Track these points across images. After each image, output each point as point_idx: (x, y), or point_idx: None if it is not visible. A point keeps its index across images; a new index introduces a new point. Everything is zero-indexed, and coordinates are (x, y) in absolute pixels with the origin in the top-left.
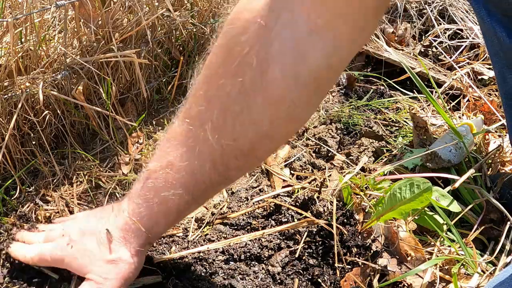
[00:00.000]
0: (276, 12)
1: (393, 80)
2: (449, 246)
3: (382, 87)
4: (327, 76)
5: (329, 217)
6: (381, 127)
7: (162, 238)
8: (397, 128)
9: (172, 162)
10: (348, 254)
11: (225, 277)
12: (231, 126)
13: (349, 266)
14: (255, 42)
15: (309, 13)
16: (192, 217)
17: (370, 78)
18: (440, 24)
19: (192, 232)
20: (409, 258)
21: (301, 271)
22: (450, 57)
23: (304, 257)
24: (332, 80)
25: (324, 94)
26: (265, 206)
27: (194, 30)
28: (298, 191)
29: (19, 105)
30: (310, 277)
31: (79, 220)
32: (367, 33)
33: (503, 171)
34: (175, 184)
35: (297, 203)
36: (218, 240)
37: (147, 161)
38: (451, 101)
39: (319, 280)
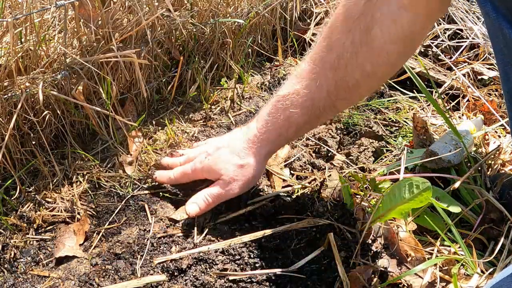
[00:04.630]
0: None
1: (393, 80)
2: (449, 246)
3: (382, 87)
4: (410, 37)
5: (329, 217)
6: (381, 127)
7: (162, 238)
8: (397, 128)
9: (298, 90)
10: (348, 254)
11: (225, 277)
12: (344, 67)
13: (350, 267)
14: (364, 11)
15: None
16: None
17: None
18: (440, 24)
19: (192, 232)
20: (409, 259)
21: (301, 272)
22: (450, 57)
23: (304, 258)
24: (416, 40)
25: (411, 50)
26: (265, 206)
27: (194, 30)
28: (298, 191)
29: (19, 105)
30: (310, 277)
31: (213, 140)
32: (440, 13)
33: (503, 171)
34: (299, 106)
35: (297, 203)
36: (218, 240)
37: (276, 89)
38: (451, 101)
39: (319, 280)
